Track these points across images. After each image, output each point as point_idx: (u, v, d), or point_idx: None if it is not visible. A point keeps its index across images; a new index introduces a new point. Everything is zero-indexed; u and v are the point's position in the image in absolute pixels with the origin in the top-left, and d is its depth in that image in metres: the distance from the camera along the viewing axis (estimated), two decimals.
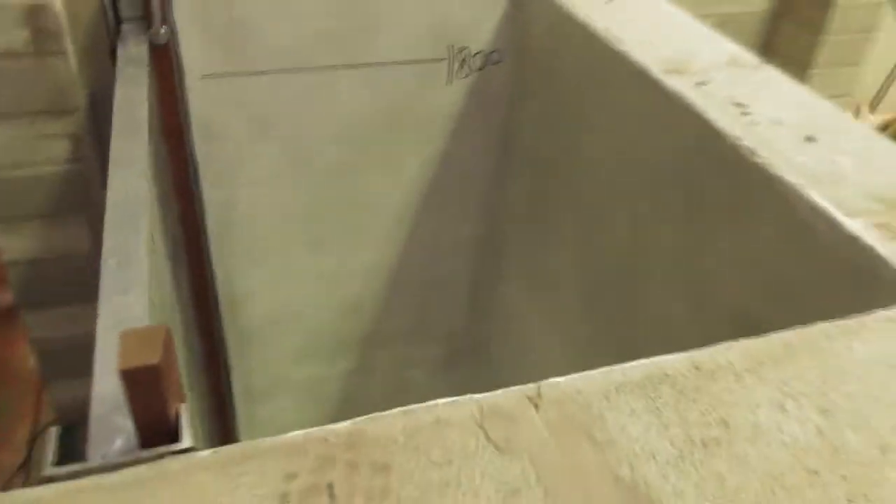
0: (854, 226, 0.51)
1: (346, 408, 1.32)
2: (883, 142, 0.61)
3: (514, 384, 0.43)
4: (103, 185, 0.87)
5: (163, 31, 0.79)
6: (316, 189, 1.00)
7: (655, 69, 0.69)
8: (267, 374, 1.21)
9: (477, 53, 0.97)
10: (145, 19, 0.78)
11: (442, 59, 0.96)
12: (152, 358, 0.32)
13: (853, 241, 0.51)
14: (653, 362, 0.41)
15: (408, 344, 1.27)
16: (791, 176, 0.56)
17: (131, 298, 0.45)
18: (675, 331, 0.72)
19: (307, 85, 0.92)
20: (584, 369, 0.91)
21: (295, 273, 1.09)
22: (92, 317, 0.49)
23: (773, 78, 0.70)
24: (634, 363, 0.41)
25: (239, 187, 0.98)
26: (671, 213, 0.70)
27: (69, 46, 0.78)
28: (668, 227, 0.71)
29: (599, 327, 0.88)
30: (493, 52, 0.97)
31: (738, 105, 0.64)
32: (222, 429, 1.18)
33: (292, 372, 1.23)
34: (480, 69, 0.99)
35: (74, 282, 0.92)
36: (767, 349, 0.42)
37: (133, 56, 0.74)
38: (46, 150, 0.83)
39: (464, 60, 0.97)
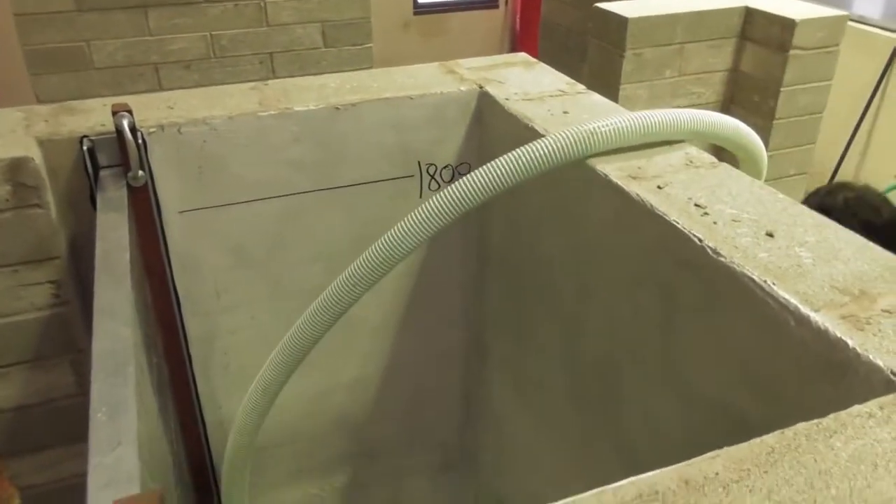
0: (821, 319, 0.53)
1: None
2: (840, 231, 0.64)
3: (510, 487, 0.43)
4: (87, 327, 0.88)
5: (140, 174, 0.81)
6: (295, 311, 1.01)
7: (616, 175, 0.73)
8: (262, 498, 1.19)
9: (446, 167, 1.01)
10: (122, 166, 0.81)
11: (412, 175, 1.00)
12: None
13: (823, 335, 0.52)
14: (642, 479, 0.42)
15: (401, 455, 1.26)
16: (756, 272, 0.58)
17: (121, 454, 0.45)
18: (662, 424, 0.73)
19: (281, 211, 0.95)
20: (578, 468, 0.91)
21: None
22: (77, 457, 0.48)
23: (729, 176, 0.73)
24: (623, 482, 0.42)
25: (219, 315, 0.99)
26: (646, 311, 0.72)
27: (49, 198, 0.80)
28: (645, 324, 0.72)
29: (589, 424, 0.88)
30: (461, 164, 1.01)
31: (698, 207, 0.67)
32: None
33: (287, 493, 1.20)
34: (450, 181, 1.02)
35: (59, 424, 0.91)
36: (752, 456, 0.42)
37: (112, 200, 0.76)
38: (29, 298, 0.83)
39: (433, 175, 1.01)
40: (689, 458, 0.42)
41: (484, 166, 0.72)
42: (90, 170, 0.81)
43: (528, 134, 0.86)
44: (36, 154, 0.79)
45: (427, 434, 1.26)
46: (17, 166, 0.77)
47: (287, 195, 0.94)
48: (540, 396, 1.01)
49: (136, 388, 0.52)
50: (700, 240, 0.62)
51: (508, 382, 1.11)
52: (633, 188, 0.70)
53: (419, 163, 1.00)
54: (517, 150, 0.72)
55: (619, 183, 0.72)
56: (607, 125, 0.73)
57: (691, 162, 0.76)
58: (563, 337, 0.91)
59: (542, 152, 0.72)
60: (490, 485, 1.26)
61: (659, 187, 0.70)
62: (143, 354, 0.71)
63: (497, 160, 0.71)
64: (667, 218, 0.65)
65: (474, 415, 1.26)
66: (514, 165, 0.72)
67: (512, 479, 1.17)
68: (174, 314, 0.93)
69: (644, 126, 0.76)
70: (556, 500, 0.41)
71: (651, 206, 0.67)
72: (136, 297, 0.78)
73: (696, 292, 0.64)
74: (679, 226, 0.64)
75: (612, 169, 0.74)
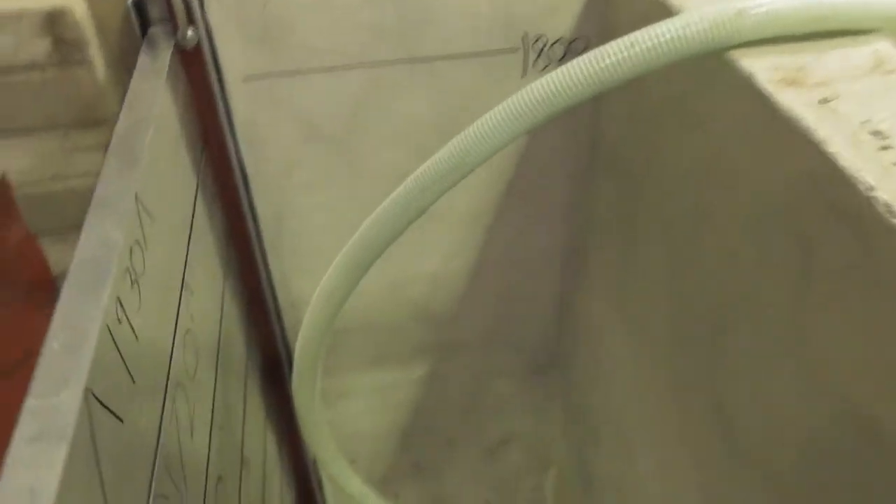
0: None
1: (422, 413, 1.25)
2: None
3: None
4: None
5: (190, 34, 0.71)
6: (372, 194, 0.90)
7: (764, 77, 0.54)
8: (335, 380, 1.15)
9: (557, 42, 0.83)
10: (172, 23, 0.70)
11: (515, 50, 0.83)
12: None
13: None
14: None
15: (485, 353, 1.17)
16: None
17: (65, 401, 0.37)
18: (775, 408, 0.58)
19: (358, 83, 0.82)
20: (671, 411, 0.76)
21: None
22: None
23: None
24: None
25: (290, 194, 0.90)
26: (776, 263, 0.55)
27: (95, 55, 0.71)
28: (771, 277, 0.56)
29: (688, 374, 0.74)
30: (575, 39, 0.83)
31: (877, 134, 0.47)
32: (289, 433, 1.14)
33: (362, 378, 1.16)
34: (562, 60, 0.84)
35: None
36: None
37: (151, 64, 0.67)
38: (82, 163, 0.78)
39: (542, 50, 0.84)
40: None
41: (607, 45, 0.54)
42: (138, 26, 0.72)
43: (665, 12, 0.66)
44: (79, 5, 0.69)
45: (515, 335, 1.17)
46: (57, 18, 0.68)
47: (364, 66, 0.81)
48: (639, 322, 0.87)
49: (113, 309, 0.44)
50: (870, 188, 0.44)
51: (608, 297, 0.97)
52: (784, 98, 0.51)
53: (524, 35, 0.82)
54: (645, 29, 0.54)
55: (767, 89, 0.53)
56: (762, 6, 0.53)
57: (880, 64, 0.55)
58: (671, 262, 0.75)
59: (673, 35, 0.54)
60: (578, 397, 1.17)
61: (824, 100, 0.51)
62: (208, 227, 0.63)
63: (623, 39, 0.54)
64: (825, 148, 0.47)
65: (569, 322, 1.14)
66: (642, 50, 0.54)
67: (601, 398, 1.06)
68: (238, 191, 0.85)
69: (819, 6, 0.55)
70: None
71: (807, 127, 0.49)
72: (194, 167, 0.70)
73: (849, 255, 0.47)
74: (841, 161, 0.46)
75: (761, 67, 0.55)
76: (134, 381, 0.46)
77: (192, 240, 0.66)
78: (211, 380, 0.72)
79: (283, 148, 0.86)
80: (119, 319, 0.44)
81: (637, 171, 0.82)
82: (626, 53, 0.54)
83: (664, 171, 0.74)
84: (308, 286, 1.00)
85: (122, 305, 0.45)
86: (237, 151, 0.85)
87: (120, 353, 0.43)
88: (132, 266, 0.48)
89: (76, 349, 0.39)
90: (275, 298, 1.01)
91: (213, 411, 0.70)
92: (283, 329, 1.04)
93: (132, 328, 0.46)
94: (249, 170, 0.87)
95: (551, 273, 1.09)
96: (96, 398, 0.39)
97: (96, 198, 0.50)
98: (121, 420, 0.42)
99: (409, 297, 1.06)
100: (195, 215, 0.70)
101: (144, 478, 0.47)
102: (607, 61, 0.54)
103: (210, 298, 0.77)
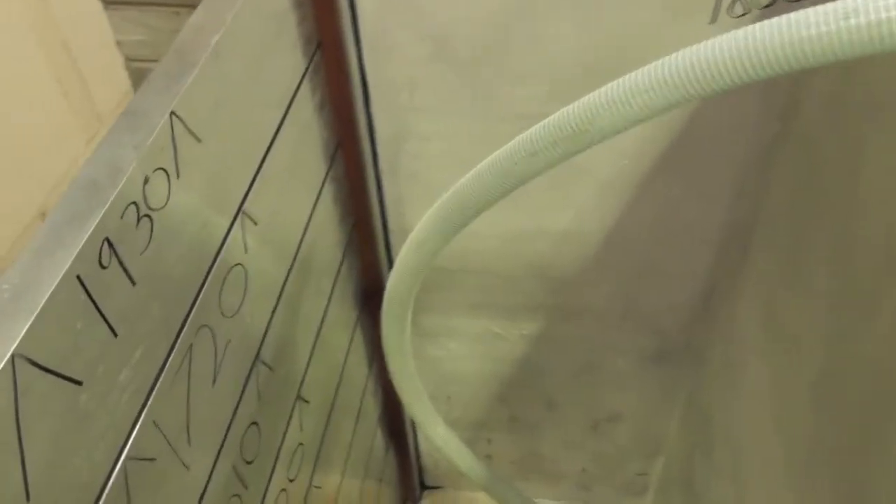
0: None
1: (526, 370, 1.15)
2: None
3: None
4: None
5: None
6: (496, 133, 0.78)
7: None
8: (438, 318, 1.08)
9: None
10: None
11: None
12: None
13: None
14: None
15: (606, 326, 1.04)
16: None
17: None
18: None
19: (498, 4, 0.68)
20: (794, 448, 0.61)
21: (475, 225, 0.91)
22: None
23: None
24: None
25: (411, 114, 0.80)
26: None
27: None
28: None
29: (827, 427, 0.58)
30: None
31: None
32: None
33: (466, 322, 1.08)
34: (768, 6, 0.65)
35: None
36: None
37: None
38: None
39: None
40: None
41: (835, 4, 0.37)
42: None
43: None
44: None
45: (646, 314, 1.02)
46: None
47: None
48: (789, 343, 0.70)
49: (94, 260, 0.37)
50: None
51: (761, 299, 0.80)
52: None
53: None
54: None
55: None
56: None
57: None
58: (841, 290, 0.58)
59: None
60: (701, 398, 1.01)
61: None
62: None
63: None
64: None
65: (711, 314, 0.98)
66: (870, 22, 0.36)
67: (724, 411, 0.90)
68: (352, 103, 0.76)
69: None
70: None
71: None
72: (293, 76, 0.62)
73: None
74: None
75: None
76: (116, 335, 0.39)
77: (267, 158, 0.59)
78: (296, 305, 0.66)
79: (407, 63, 0.75)
80: (103, 265, 0.37)
81: (833, 163, 0.63)
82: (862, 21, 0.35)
83: (863, 176, 0.55)
84: (421, 216, 0.91)
85: (113, 248, 0.38)
86: (360, 57, 0.75)
87: (95, 303, 0.37)
88: (145, 198, 0.40)
89: (23, 299, 0.33)
90: (385, 224, 0.93)
91: (293, 325, 0.65)
92: (390, 257, 0.97)
93: (126, 272, 0.39)
94: (371, 79, 0.77)
95: (702, 254, 0.92)
96: (27, 364, 0.32)
97: (129, 106, 0.43)
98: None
99: (533, 251, 0.94)
100: (283, 126, 0.62)
101: None
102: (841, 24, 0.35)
103: (294, 222, 0.70)
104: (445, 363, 1.16)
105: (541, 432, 1.28)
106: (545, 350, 1.10)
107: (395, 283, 0.71)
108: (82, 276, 0.35)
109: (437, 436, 0.98)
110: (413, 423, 1.28)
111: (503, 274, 0.98)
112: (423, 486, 1.46)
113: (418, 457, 1.39)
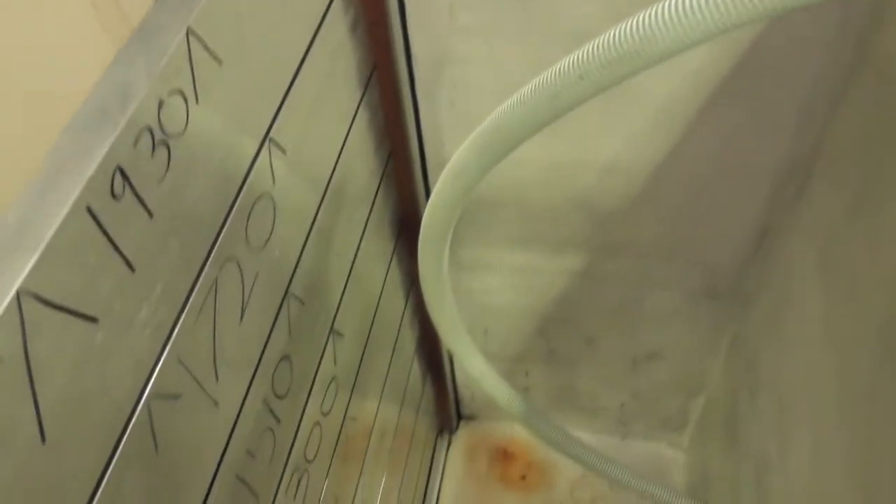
0: None
1: (565, 305, 1.12)
2: None
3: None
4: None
5: None
6: (547, 54, 0.73)
7: None
8: (478, 251, 1.05)
9: None
10: None
11: None
12: None
13: None
14: None
15: (654, 261, 1.00)
16: None
17: None
18: None
19: None
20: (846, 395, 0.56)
21: (516, 154, 0.86)
22: None
23: None
24: None
25: (451, 37, 0.75)
26: None
27: None
28: None
29: (885, 378, 0.54)
30: None
31: None
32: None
33: (509, 255, 1.05)
34: None
35: None
36: None
37: None
38: None
39: None
40: None
41: None
42: None
43: None
44: None
45: (694, 250, 0.97)
46: None
47: None
48: (845, 291, 0.66)
49: (103, 186, 0.35)
50: None
51: (817, 242, 0.75)
52: None
53: None
54: None
55: None
56: None
57: None
58: None
59: None
60: (749, 340, 0.97)
61: None
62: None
63: None
64: None
65: (764, 254, 0.93)
66: None
67: (772, 355, 0.87)
68: (388, 23, 0.71)
69: None
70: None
71: None
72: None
73: None
74: None
75: None
76: (133, 270, 0.37)
77: (296, 82, 0.55)
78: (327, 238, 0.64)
79: None
80: (116, 196, 0.35)
81: None
82: None
83: None
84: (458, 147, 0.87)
85: (126, 177, 0.35)
86: None
87: (108, 237, 0.34)
88: (160, 124, 0.38)
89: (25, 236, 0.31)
90: (422, 153, 0.90)
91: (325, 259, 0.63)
92: (427, 187, 0.94)
93: (142, 203, 0.37)
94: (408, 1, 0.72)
95: (759, 190, 0.87)
96: (34, 301, 0.30)
97: (142, 22, 0.39)
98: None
99: (577, 183, 0.90)
100: (313, 46, 0.58)
101: None
102: None
103: (326, 150, 0.67)
104: (483, 296, 1.14)
105: (579, 367, 1.26)
106: (586, 285, 1.06)
107: (432, 214, 0.68)
108: (93, 208, 0.33)
109: (474, 368, 0.97)
110: (450, 355, 1.27)
111: (545, 206, 0.94)
112: (460, 417, 1.46)
113: (455, 388, 1.39)
